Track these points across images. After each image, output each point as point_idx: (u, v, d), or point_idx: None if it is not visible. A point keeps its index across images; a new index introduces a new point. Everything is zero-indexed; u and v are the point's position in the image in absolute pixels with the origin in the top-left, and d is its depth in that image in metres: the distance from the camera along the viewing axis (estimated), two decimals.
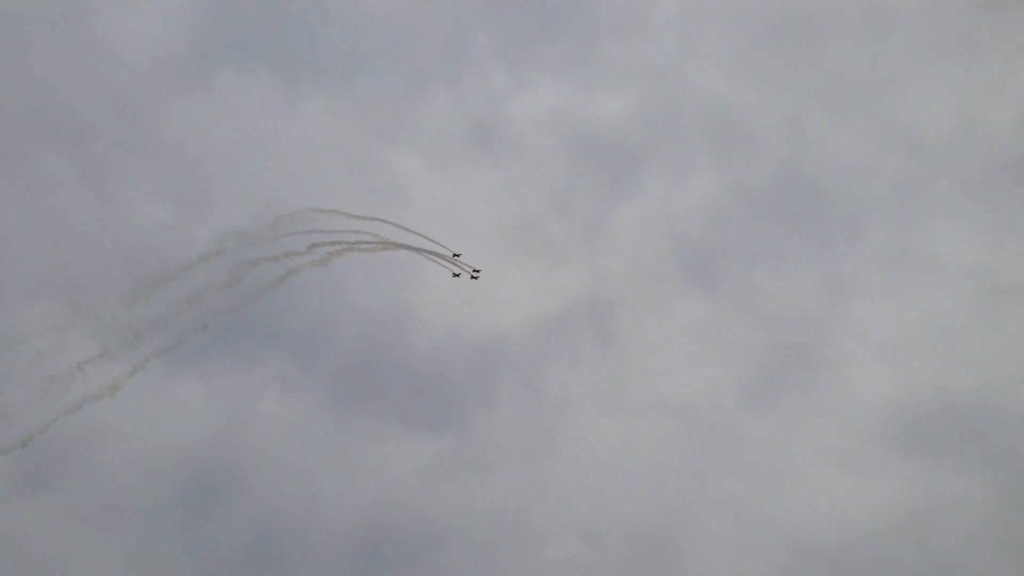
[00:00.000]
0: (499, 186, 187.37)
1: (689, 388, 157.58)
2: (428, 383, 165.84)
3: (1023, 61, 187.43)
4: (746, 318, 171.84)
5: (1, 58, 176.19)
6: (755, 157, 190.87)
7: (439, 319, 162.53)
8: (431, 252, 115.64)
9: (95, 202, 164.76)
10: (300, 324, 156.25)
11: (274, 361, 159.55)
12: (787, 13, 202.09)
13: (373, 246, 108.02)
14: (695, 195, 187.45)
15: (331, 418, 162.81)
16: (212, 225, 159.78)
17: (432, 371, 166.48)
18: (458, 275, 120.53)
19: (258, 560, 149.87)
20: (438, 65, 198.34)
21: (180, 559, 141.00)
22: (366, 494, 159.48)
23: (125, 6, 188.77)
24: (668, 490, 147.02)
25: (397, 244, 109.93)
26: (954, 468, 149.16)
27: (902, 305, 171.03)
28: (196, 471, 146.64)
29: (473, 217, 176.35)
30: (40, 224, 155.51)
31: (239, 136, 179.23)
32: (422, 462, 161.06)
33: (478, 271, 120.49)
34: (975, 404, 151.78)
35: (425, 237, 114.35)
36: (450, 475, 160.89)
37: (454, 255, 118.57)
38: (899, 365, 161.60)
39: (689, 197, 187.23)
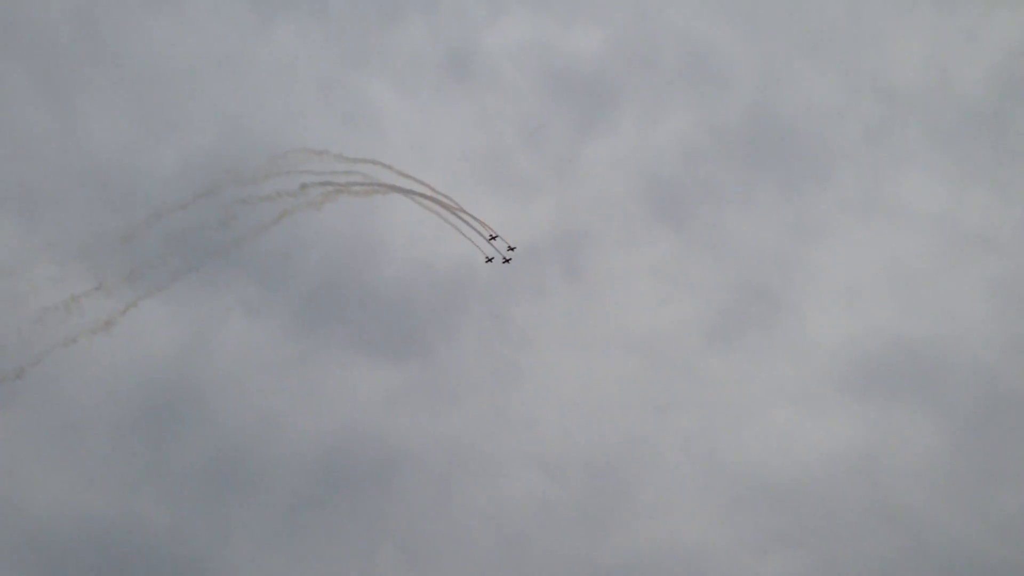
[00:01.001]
0: (471, 116, 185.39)
1: (653, 325, 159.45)
2: (394, 312, 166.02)
3: (997, 11, 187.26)
4: (713, 258, 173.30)
5: None
6: (729, 97, 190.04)
7: (406, 248, 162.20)
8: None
9: (59, 117, 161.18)
10: (266, 249, 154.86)
11: (239, 285, 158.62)
12: None
13: (366, 188, 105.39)
14: (667, 133, 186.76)
15: (295, 344, 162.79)
16: (178, 145, 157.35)
17: (398, 300, 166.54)
18: (491, 259, 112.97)
19: (218, 482, 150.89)
20: None
21: (141, 478, 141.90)
22: (328, 420, 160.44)
23: None
24: (628, 424, 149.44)
25: (389, 187, 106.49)
26: (905, 411, 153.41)
27: (866, 251, 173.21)
28: (158, 392, 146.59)
29: (443, 146, 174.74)
30: (1, 138, 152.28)
31: (207, 56, 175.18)
32: (385, 390, 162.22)
33: (513, 249, 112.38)
34: (930, 350, 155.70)
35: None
36: (413, 404, 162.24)
37: (491, 237, 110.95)
38: (859, 310, 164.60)
39: (661, 135, 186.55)
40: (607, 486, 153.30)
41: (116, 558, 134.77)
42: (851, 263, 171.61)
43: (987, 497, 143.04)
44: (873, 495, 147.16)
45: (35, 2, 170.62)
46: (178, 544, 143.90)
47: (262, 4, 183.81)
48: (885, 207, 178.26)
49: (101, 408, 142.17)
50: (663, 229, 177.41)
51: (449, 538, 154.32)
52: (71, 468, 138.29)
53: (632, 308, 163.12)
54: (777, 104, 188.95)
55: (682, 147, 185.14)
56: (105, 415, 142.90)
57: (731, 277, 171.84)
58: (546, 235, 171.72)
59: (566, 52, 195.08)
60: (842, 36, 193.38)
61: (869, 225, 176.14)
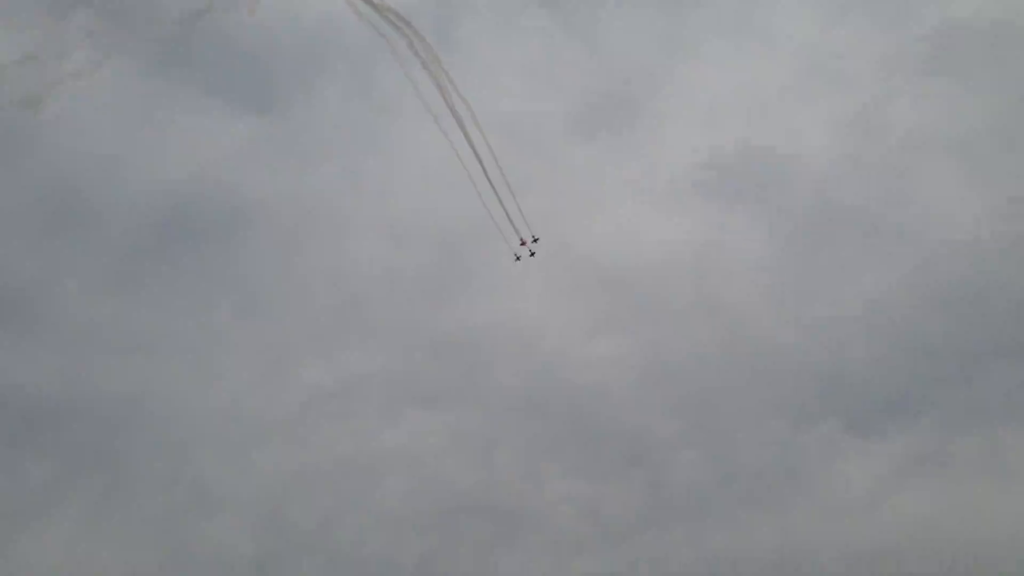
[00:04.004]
0: None
1: (519, 108, 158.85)
2: (256, 61, 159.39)
3: None
4: (586, 52, 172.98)
5: None
6: None
7: None
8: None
9: None
10: None
11: (84, 13, 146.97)
12: None
13: None
14: None
15: (146, 84, 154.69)
16: None
17: (262, 49, 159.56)
18: (519, 259, 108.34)
19: (53, 221, 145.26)
20: None
21: None
22: (175, 167, 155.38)
23: None
24: (479, 201, 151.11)
25: None
26: (741, 217, 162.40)
27: (731, 71, 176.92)
28: None
29: None
30: None
31: None
32: (238, 142, 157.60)
33: (536, 240, 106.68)
34: (771, 164, 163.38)
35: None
36: (266, 158, 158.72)
37: (523, 241, 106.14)
38: (714, 123, 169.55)
39: None
40: (450, 257, 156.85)
41: None
42: (715, 80, 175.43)
43: (802, 303, 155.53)
44: (701, 290, 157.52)
45: None
46: (3, 275, 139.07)
47: None
48: (756, 31, 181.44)
49: None
50: (542, 13, 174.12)
51: (290, 297, 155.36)
52: None
53: (501, 88, 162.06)
54: None
55: None
56: None
57: (602, 76, 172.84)
58: (423, 2, 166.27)
59: None
60: None
61: (738, 47, 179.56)
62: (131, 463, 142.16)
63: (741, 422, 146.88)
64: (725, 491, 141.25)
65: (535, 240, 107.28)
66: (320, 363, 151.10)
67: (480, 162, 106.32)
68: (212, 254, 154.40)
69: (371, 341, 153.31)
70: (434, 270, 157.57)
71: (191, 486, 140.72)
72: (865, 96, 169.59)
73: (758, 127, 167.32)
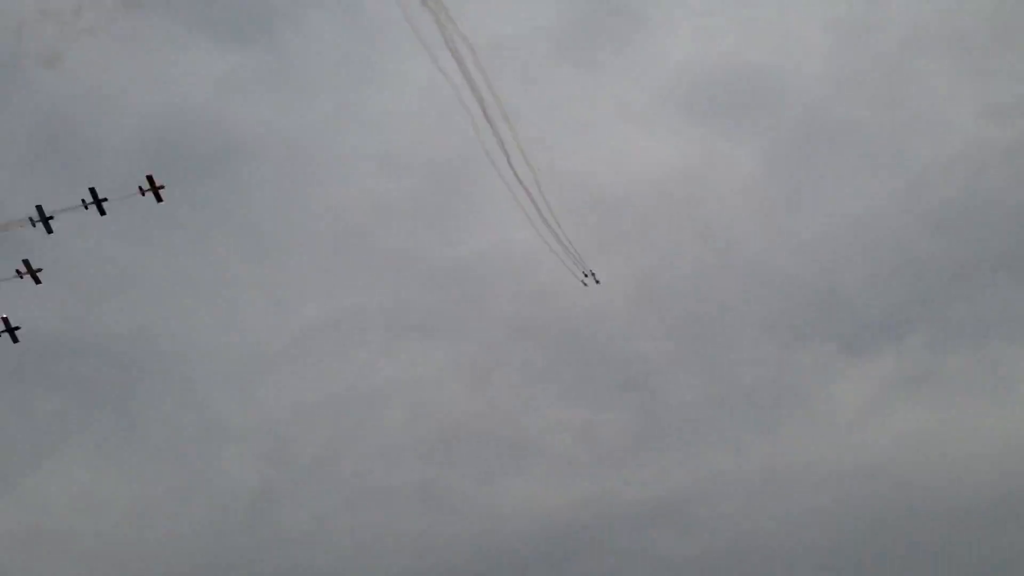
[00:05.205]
0: None
1: (505, 27, 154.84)
2: None
3: None
4: None
5: None
6: None
7: None
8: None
9: None
10: None
11: None
12: None
13: None
14: None
15: (127, 16, 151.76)
16: None
17: None
18: (586, 285, 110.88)
19: (37, 161, 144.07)
20: None
21: None
22: (160, 100, 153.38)
23: None
24: (469, 128, 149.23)
25: None
26: (732, 136, 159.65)
27: None
28: None
29: None
30: None
31: None
32: (224, 73, 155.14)
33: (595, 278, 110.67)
34: (764, 79, 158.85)
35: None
36: (253, 90, 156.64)
37: (586, 274, 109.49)
38: (708, 33, 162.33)
39: None
40: (443, 187, 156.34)
41: None
42: None
43: (792, 221, 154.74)
44: (691, 212, 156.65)
45: None
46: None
47: None
48: None
49: None
50: None
51: (286, 231, 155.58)
52: None
53: (485, 7, 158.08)
54: None
55: None
56: None
57: None
58: None
59: None
60: None
61: None
62: (137, 398, 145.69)
63: (734, 343, 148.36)
64: (718, 411, 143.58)
65: (595, 276, 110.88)
66: (318, 296, 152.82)
67: (472, 89, 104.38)
68: (205, 191, 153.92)
69: (366, 273, 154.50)
70: (428, 198, 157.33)
71: (197, 420, 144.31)
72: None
73: (750, 38, 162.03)
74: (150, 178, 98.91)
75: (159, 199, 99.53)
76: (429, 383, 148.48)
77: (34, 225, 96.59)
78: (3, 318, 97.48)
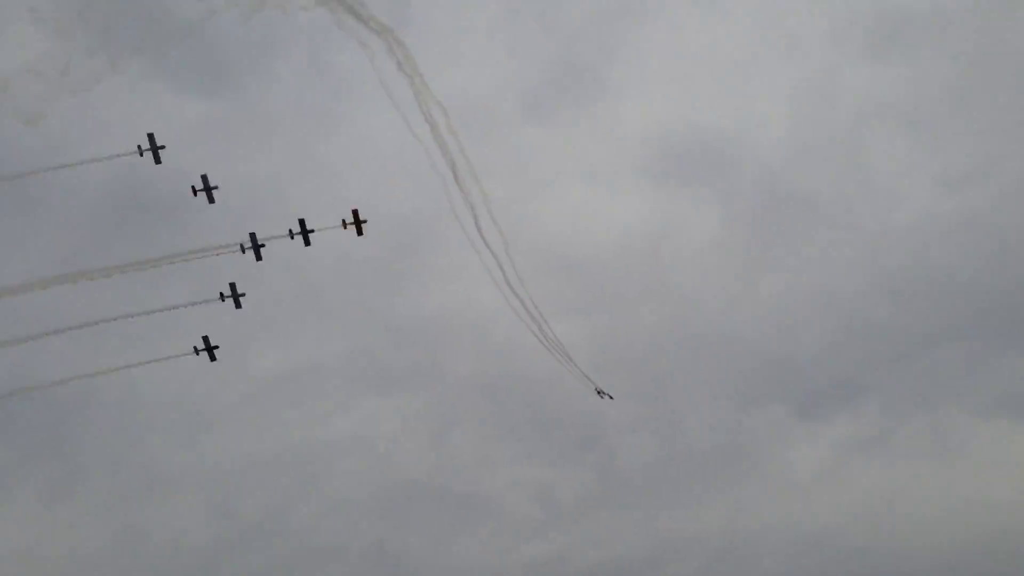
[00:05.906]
0: None
1: (473, 86, 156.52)
2: (205, 42, 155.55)
3: None
4: (541, 24, 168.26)
5: None
6: None
7: None
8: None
9: None
10: None
11: None
12: None
13: None
14: None
15: (90, 64, 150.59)
16: None
17: (211, 31, 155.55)
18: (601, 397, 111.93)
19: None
20: None
21: None
22: (123, 149, 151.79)
23: None
24: (433, 185, 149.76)
25: None
26: (693, 200, 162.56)
27: (689, 38, 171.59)
28: None
29: None
30: None
31: None
32: (187, 124, 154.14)
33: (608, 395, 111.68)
34: (724, 144, 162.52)
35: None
36: (215, 141, 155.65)
37: (600, 392, 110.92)
38: (669, 96, 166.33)
39: None
40: (406, 241, 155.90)
41: None
42: (671, 48, 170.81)
43: (749, 284, 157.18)
44: (652, 274, 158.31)
45: None
46: None
47: None
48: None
49: None
50: None
51: (243, 281, 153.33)
52: None
53: (454, 64, 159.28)
54: None
55: None
56: None
57: (558, 48, 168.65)
58: None
59: None
60: None
61: (696, 11, 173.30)
62: (82, 449, 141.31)
63: (691, 405, 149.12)
64: (676, 472, 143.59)
65: (608, 394, 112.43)
66: (273, 349, 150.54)
67: (439, 145, 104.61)
68: (162, 237, 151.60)
69: (324, 327, 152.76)
70: (391, 252, 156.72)
71: (142, 473, 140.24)
72: (819, 66, 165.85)
73: (712, 101, 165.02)
74: (355, 212, 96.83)
75: (360, 232, 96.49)
76: (383, 440, 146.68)
77: None
78: None
